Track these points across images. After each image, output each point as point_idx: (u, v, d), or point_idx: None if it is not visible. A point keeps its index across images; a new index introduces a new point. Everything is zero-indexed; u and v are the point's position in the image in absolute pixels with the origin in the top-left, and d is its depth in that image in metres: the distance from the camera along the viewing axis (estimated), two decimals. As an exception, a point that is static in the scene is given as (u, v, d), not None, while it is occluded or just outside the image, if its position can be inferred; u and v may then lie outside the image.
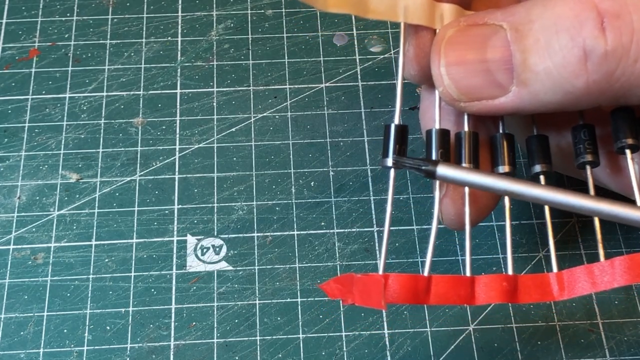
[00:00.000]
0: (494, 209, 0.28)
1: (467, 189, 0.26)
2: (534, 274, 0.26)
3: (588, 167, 0.26)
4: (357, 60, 0.37)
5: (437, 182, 0.26)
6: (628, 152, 0.25)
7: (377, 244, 0.32)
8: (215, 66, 0.37)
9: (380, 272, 0.25)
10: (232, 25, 0.39)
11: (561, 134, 0.28)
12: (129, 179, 0.34)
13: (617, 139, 0.26)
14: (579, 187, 0.33)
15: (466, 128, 0.27)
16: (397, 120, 0.26)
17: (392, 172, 0.26)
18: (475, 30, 0.25)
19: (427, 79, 0.27)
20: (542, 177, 0.26)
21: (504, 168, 0.26)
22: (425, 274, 0.25)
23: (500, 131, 0.27)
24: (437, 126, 0.26)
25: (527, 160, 0.27)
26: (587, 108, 0.25)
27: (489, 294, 0.25)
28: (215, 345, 0.30)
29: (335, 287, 0.25)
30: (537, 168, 0.27)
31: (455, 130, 0.27)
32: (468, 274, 0.25)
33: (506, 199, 0.26)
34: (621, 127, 0.26)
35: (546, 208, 0.26)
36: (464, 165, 0.26)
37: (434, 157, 0.26)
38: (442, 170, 0.25)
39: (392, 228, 0.33)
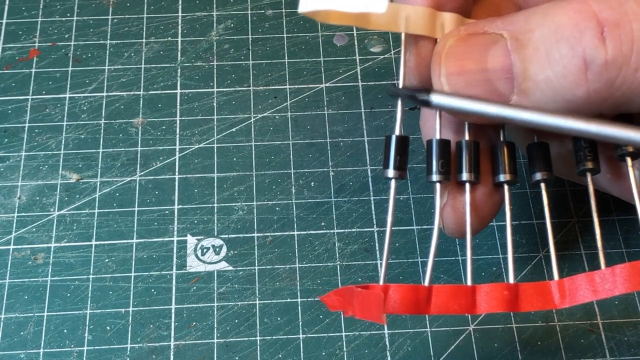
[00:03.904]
0: (494, 217, 0.28)
1: (467, 199, 0.26)
2: (535, 283, 0.26)
3: (588, 175, 0.26)
4: (357, 61, 0.37)
5: (438, 191, 0.26)
6: (628, 159, 0.25)
7: (377, 244, 0.32)
8: (215, 66, 0.37)
9: (381, 282, 0.25)
10: (232, 25, 0.39)
11: (562, 141, 0.28)
12: (129, 179, 0.34)
13: (618, 146, 0.25)
14: (579, 187, 0.33)
15: (467, 137, 0.27)
16: (397, 131, 0.26)
17: (393, 182, 0.26)
18: (476, 39, 0.25)
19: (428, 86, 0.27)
20: (542, 185, 0.26)
21: (505, 176, 0.27)
22: (426, 284, 0.25)
23: (501, 139, 0.27)
24: (437, 136, 0.26)
25: (528, 167, 0.27)
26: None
27: (490, 302, 0.25)
28: (215, 345, 0.30)
29: (335, 299, 0.25)
30: (538, 176, 0.27)
31: (456, 138, 0.27)
32: (469, 283, 0.25)
33: (507, 206, 0.26)
34: None
35: (546, 210, 0.26)
36: (464, 174, 0.26)
37: (434, 169, 0.26)
38: (437, 98, 0.25)
39: (392, 228, 0.33)
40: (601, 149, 0.27)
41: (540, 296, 0.25)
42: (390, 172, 0.26)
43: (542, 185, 0.27)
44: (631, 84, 0.23)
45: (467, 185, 0.26)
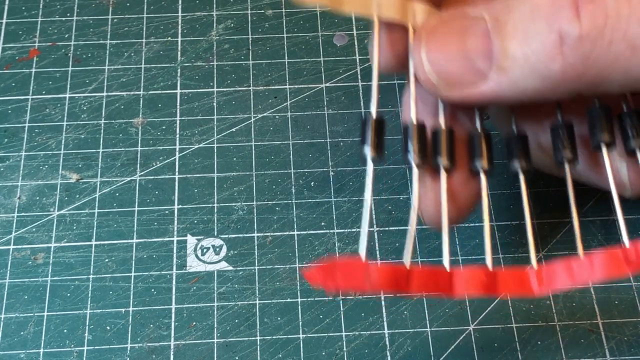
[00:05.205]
0: (474, 207, 0.28)
1: (444, 182, 0.26)
2: (513, 269, 0.26)
3: (566, 165, 0.26)
4: (357, 60, 0.37)
5: (415, 172, 0.26)
6: (604, 149, 0.26)
7: (377, 244, 0.32)
8: (215, 66, 0.37)
9: (363, 259, 0.25)
10: (232, 25, 0.39)
11: (541, 132, 0.28)
12: (129, 179, 0.34)
13: (594, 136, 0.26)
14: (579, 187, 0.33)
15: (443, 121, 0.27)
16: (374, 110, 0.26)
17: (369, 159, 0.26)
18: (457, 20, 0.26)
19: (401, 66, 0.27)
20: (521, 176, 0.27)
21: (481, 163, 0.27)
22: (407, 264, 0.25)
23: (478, 127, 0.27)
24: (414, 120, 0.27)
25: (506, 158, 0.27)
26: (567, 96, 0.25)
27: (467, 286, 0.25)
28: (215, 345, 0.30)
29: (317, 273, 0.25)
30: (516, 165, 0.27)
31: (435, 125, 0.27)
32: (447, 267, 0.25)
33: (484, 193, 0.27)
34: (598, 125, 0.26)
35: (525, 201, 0.26)
36: (440, 159, 0.26)
37: (410, 150, 0.26)
38: None
39: (392, 228, 0.33)
40: (582, 141, 0.27)
41: (517, 282, 0.26)
42: (367, 149, 0.26)
43: (521, 175, 0.27)
44: (605, 59, 0.23)
45: (442, 171, 0.27)
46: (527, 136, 0.27)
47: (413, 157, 0.26)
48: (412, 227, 0.26)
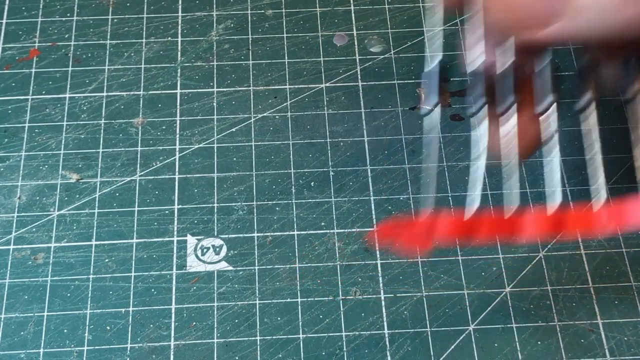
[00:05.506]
0: (541, 145, 0.28)
1: (512, 125, 0.26)
2: (580, 208, 0.26)
3: (636, 98, 0.26)
4: (357, 60, 0.37)
5: (482, 115, 0.26)
6: None
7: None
8: (215, 66, 0.37)
9: (423, 213, 0.25)
10: (232, 25, 0.39)
11: (614, 65, 0.28)
12: (129, 179, 0.34)
13: None
14: (578, 187, 0.33)
15: (508, 61, 0.27)
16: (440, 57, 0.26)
17: (437, 109, 0.26)
18: None
19: (465, 5, 0.27)
20: (591, 106, 0.27)
21: (550, 97, 0.27)
22: (470, 212, 0.25)
23: (546, 62, 0.27)
24: (481, 61, 0.26)
25: (576, 88, 0.27)
26: (635, 39, 0.25)
27: (534, 227, 0.26)
28: (215, 345, 0.30)
29: (382, 233, 0.25)
30: (587, 96, 0.27)
31: (500, 64, 0.27)
32: (514, 209, 0.26)
33: (552, 128, 0.27)
34: None
35: (596, 130, 0.26)
36: (508, 98, 0.26)
37: (476, 91, 0.26)
38: None
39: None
40: None
41: (586, 220, 0.26)
42: (435, 98, 0.26)
43: (591, 106, 0.27)
44: None
45: (511, 109, 0.27)
46: (599, 66, 0.27)
47: (479, 98, 0.26)
48: (478, 172, 0.26)
